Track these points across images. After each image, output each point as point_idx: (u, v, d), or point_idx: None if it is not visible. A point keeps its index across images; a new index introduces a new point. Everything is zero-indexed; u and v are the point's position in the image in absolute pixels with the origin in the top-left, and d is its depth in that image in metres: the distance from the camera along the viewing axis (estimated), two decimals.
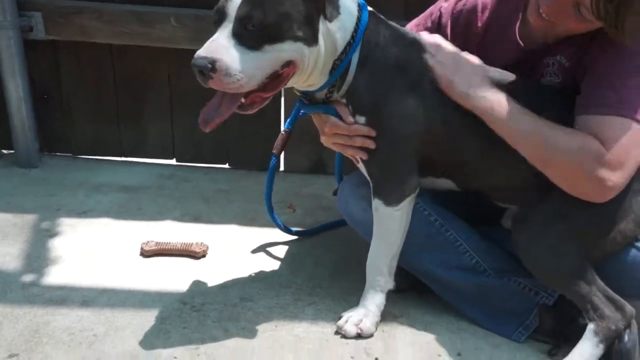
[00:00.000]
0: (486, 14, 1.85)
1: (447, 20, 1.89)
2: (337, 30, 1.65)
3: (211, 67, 1.50)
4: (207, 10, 2.58)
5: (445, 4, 1.93)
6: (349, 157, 1.82)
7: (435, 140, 1.73)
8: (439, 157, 1.77)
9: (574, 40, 1.71)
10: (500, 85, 1.72)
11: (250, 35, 1.53)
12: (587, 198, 1.63)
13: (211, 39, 1.55)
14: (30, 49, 2.72)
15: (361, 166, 1.79)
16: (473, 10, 1.86)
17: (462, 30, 1.87)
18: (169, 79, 2.80)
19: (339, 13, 1.64)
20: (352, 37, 1.67)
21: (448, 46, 1.75)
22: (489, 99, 1.66)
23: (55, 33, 2.68)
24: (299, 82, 1.69)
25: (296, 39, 1.57)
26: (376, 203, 1.78)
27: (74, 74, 2.82)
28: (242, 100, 1.60)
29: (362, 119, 1.71)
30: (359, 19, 1.68)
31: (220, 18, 1.56)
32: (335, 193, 2.12)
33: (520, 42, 1.78)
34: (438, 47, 1.73)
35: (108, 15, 2.63)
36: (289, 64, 1.60)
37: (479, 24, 1.85)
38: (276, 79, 1.62)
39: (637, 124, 1.59)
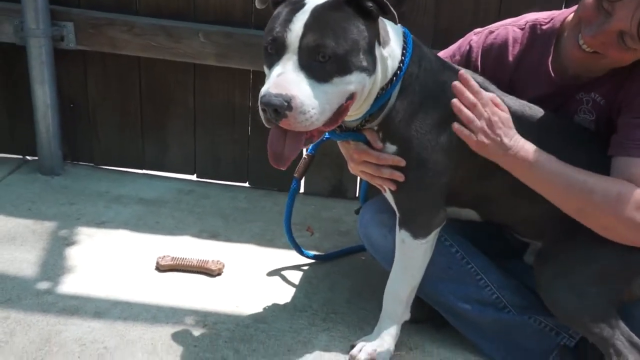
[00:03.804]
0: (517, 47, 1.83)
1: (477, 54, 1.87)
2: (388, 57, 1.58)
3: (287, 104, 1.39)
4: (236, 28, 2.63)
5: (475, 37, 1.91)
6: (376, 186, 1.78)
7: (463, 175, 1.70)
8: (465, 190, 1.74)
9: (609, 77, 1.69)
10: (533, 122, 1.70)
11: (320, 67, 1.43)
12: (629, 243, 1.59)
13: (276, 72, 1.43)
14: (60, 58, 2.75)
15: (389, 196, 1.75)
16: (504, 43, 1.84)
17: (493, 64, 1.84)
18: (194, 95, 2.81)
19: (389, 39, 1.59)
20: (399, 66, 1.61)
21: (484, 97, 1.63)
22: (520, 154, 1.59)
23: (86, 43, 2.71)
24: (350, 114, 1.60)
25: (362, 69, 1.48)
26: (403, 235, 1.74)
27: (101, 85, 2.84)
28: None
29: (392, 148, 1.66)
30: (404, 47, 1.63)
31: (278, 48, 1.44)
32: (357, 212, 2.09)
33: (553, 75, 1.76)
34: (461, 109, 1.61)
35: (138, 28, 2.65)
36: (352, 97, 1.51)
37: (510, 58, 1.83)
38: (337, 113, 1.51)
39: None
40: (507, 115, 1.64)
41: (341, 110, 1.52)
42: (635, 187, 1.56)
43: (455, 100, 1.61)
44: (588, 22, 1.59)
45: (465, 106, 1.60)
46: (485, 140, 1.60)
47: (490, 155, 1.62)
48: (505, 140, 1.60)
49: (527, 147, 1.61)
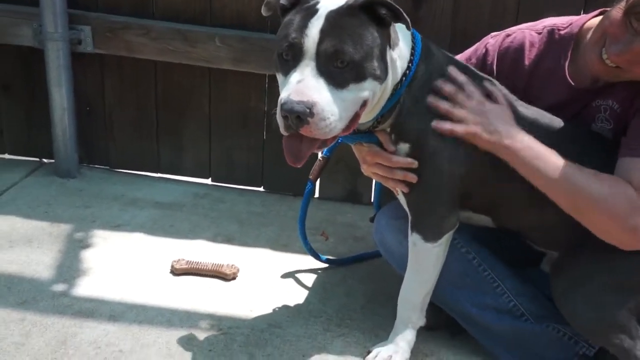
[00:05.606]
0: (534, 51, 1.81)
1: (493, 57, 1.85)
2: (397, 58, 1.58)
3: (309, 111, 1.39)
4: (252, 32, 2.64)
5: (492, 40, 1.89)
6: (389, 188, 1.78)
7: (475, 177, 1.68)
8: (478, 194, 1.72)
9: (626, 84, 1.67)
10: (548, 131, 1.68)
11: (338, 73, 1.43)
12: (622, 246, 1.57)
13: (295, 78, 1.42)
14: (77, 62, 2.76)
15: (401, 198, 1.75)
16: (520, 47, 1.83)
17: (509, 68, 1.83)
18: (210, 99, 2.82)
19: (398, 39, 1.59)
20: (408, 65, 1.61)
21: (470, 88, 1.66)
22: (514, 145, 1.59)
23: (103, 47, 2.72)
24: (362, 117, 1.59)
25: (375, 76, 1.48)
26: (414, 238, 1.73)
27: (118, 88, 2.85)
28: None
29: (405, 147, 1.66)
30: (413, 47, 1.63)
31: (295, 54, 1.44)
32: (372, 219, 2.08)
33: (571, 81, 1.74)
34: (437, 104, 1.63)
35: (154, 32, 2.66)
36: (364, 104, 1.51)
37: (527, 62, 1.81)
38: (351, 120, 1.51)
39: None
40: (503, 108, 1.65)
41: (354, 117, 1.52)
42: (630, 187, 1.53)
43: (429, 98, 1.64)
44: (614, 38, 1.57)
45: (446, 96, 1.63)
46: (475, 128, 1.60)
47: (484, 144, 1.62)
48: (500, 127, 1.60)
49: (525, 138, 1.60)
